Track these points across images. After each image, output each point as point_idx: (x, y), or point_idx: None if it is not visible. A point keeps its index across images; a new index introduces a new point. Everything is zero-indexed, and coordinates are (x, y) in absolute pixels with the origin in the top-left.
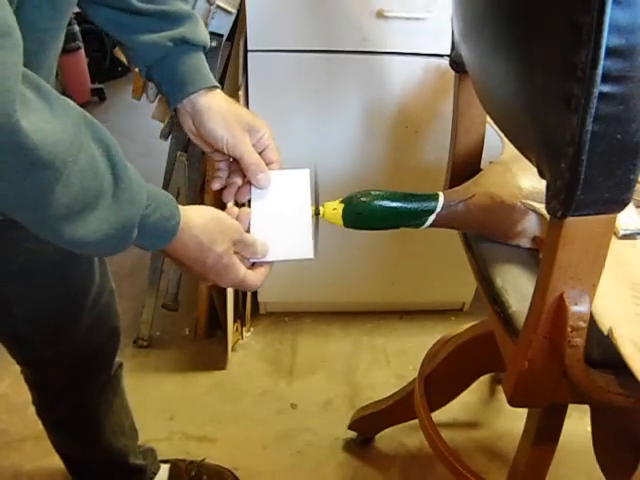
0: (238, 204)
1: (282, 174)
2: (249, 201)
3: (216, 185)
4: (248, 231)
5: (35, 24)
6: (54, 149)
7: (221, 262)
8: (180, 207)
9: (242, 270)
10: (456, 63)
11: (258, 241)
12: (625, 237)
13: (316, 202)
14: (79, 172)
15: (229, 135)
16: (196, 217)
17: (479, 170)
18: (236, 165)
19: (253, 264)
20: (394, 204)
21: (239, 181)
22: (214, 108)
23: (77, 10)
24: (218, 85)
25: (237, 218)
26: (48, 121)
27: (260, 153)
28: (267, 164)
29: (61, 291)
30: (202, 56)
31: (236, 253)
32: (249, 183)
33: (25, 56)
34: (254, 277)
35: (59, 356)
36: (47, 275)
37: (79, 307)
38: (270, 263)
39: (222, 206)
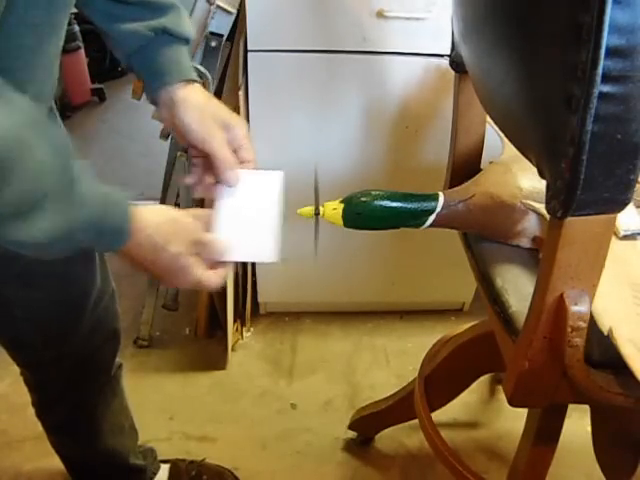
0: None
1: (254, 174)
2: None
3: (188, 180)
4: (212, 231)
5: (30, 17)
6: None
7: (177, 263)
8: (136, 207)
9: (199, 271)
10: (456, 63)
11: (218, 240)
12: (626, 238)
13: (316, 202)
14: (27, 172)
15: (202, 130)
16: (151, 217)
17: (479, 170)
18: (208, 160)
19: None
20: (394, 204)
21: (211, 178)
22: (190, 102)
23: (75, 11)
24: (198, 79)
25: (198, 219)
26: None
27: (235, 152)
28: (240, 163)
29: (62, 294)
30: (184, 49)
31: (197, 254)
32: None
33: (20, 52)
34: (212, 277)
35: (59, 358)
36: (48, 277)
37: (80, 309)
38: (230, 263)
39: None
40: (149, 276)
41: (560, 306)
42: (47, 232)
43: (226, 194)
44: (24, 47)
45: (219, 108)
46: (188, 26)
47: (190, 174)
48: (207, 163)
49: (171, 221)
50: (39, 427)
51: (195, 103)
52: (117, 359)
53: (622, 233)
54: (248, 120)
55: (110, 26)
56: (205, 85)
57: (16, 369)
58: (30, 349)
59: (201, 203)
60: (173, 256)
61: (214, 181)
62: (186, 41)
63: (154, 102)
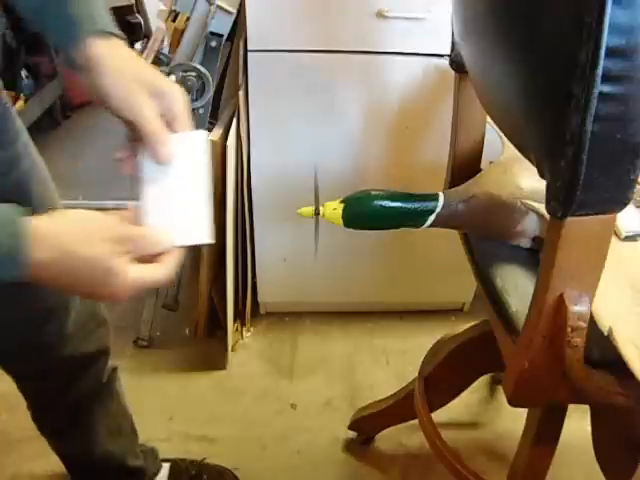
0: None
1: (175, 138)
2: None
3: (118, 154)
4: (140, 220)
5: None
6: None
7: (97, 269)
8: (31, 220)
9: (133, 271)
10: (456, 63)
11: (148, 230)
12: (628, 239)
13: (316, 202)
14: None
15: (125, 95)
16: (52, 226)
17: (479, 170)
18: (137, 133)
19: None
20: (394, 204)
21: (137, 152)
22: (108, 60)
23: None
24: (118, 34)
25: (119, 213)
26: None
27: (168, 124)
28: None
29: (23, 312)
30: (99, 2)
31: (126, 252)
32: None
33: None
34: (157, 271)
35: (48, 370)
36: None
37: (55, 321)
38: (176, 249)
39: (222, 202)
40: (74, 295)
41: (560, 306)
42: None
43: (149, 169)
44: None
45: (147, 71)
46: None
47: (123, 148)
48: (134, 134)
49: (78, 221)
50: None
51: (115, 63)
52: (110, 362)
53: (624, 234)
54: (248, 120)
55: None
56: (205, 84)
57: None
58: (14, 362)
59: None
60: (90, 260)
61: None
62: None
63: (72, 67)
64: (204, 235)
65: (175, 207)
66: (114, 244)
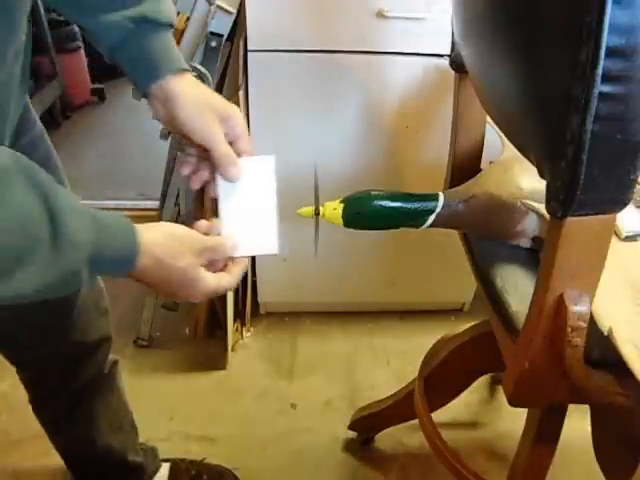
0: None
1: (247, 162)
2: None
3: (185, 170)
4: (214, 232)
5: None
6: None
7: (186, 277)
8: (136, 229)
9: (211, 279)
10: (456, 63)
11: (223, 240)
12: (628, 239)
13: (316, 202)
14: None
15: (200, 125)
16: (153, 236)
17: (479, 170)
18: (205, 152)
19: (225, 265)
20: (394, 204)
21: (206, 170)
22: (185, 95)
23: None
24: (188, 68)
25: (207, 231)
26: None
27: (232, 143)
28: (238, 154)
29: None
30: (169, 36)
31: (210, 263)
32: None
33: None
34: (227, 279)
35: (50, 357)
36: None
37: (67, 309)
38: (243, 259)
39: None
40: (161, 294)
41: (560, 306)
42: (40, 284)
43: (224, 188)
44: None
45: (215, 99)
46: (169, 9)
47: (185, 164)
48: (202, 152)
49: (173, 236)
50: (39, 426)
51: (190, 97)
52: (111, 356)
53: (624, 234)
54: (248, 120)
55: (86, 19)
56: (205, 84)
57: None
58: (19, 348)
59: (201, 194)
60: (182, 270)
61: (211, 172)
62: (170, 26)
63: (144, 96)
64: (272, 246)
65: (247, 221)
66: (199, 256)
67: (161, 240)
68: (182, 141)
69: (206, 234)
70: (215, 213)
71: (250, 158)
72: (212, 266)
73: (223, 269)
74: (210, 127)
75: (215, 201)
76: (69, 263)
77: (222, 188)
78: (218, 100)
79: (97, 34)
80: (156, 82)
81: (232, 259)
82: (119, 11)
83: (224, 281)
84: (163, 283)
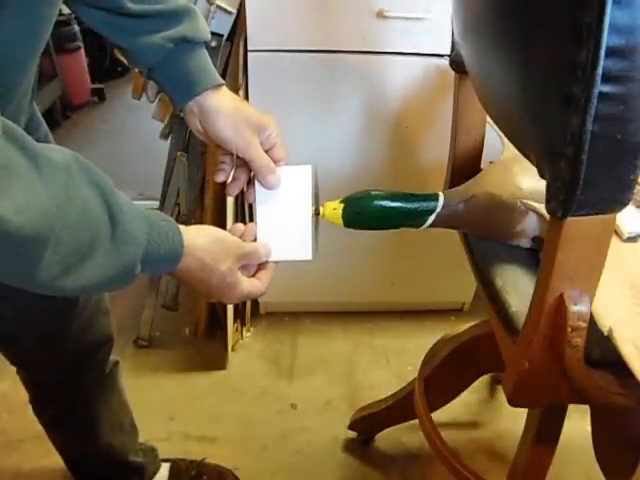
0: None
1: (285, 171)
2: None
3: (220, 178)
4: (250, 238)
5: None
6: (40, 222)
7: (225, 281)
8: (182, 230)
9: (246, 284)
10: (456, 63)
11: (258, 245)
12: (630, 240)
13: (316, 202)
14: (69, 229)
15: (239, 138)
16: (199, 239)
17: (479, 170)
18: (241, 160)
19: (257, 270)
20: (394, 204)
21: (243, 177)
22: (222, 109)
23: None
24: (223, 82)
25: (242, 235)
26: (33, 190)
27: (267, 151)
28: (274, 162)
29: (48, 296)
30: (205, 52)
31: (242, 267)
32: (253, 180)
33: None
34: (258, 285)
35: (51, 357)
36: None
37: (68, 311)
38: (273, 264)
39: (222, 203)
40: (198, 293)
41: (560, 306)
42: (102, 276)
43: (262, 195)
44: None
45: (250, 111)
46: (204, 26)
47: (220, 172)
48: (237, 161)
49: (217, 241)
50: (39, 427)
51: (227, 110)
52: (112, 356)
53: (626, 235)
54: None
55: (126, 40)
56: None
57: None
58: (21, 348)
59: (201, 194)
60: (222, 274)
61: (245, 181)
62: (205, 43)
63: (180, 111)
64: (306, 252)
65: (282, 226)
66: (237, 261)
67: (205, 243)
68: (217, 148)
69: (240, 238)
70: (251, 218)
71: (288, 167)
72: (245, 270)
73: (254, 274)
74: (247, 139)
75: (251, 206)
76: (127, 258)
77: (259, 194)
78: (252, 112)
79: (137, 55)
80: (193, 99)
81: (262, 263)
82: (160, 32)
83: (255, 287)
84: (202, 284)
